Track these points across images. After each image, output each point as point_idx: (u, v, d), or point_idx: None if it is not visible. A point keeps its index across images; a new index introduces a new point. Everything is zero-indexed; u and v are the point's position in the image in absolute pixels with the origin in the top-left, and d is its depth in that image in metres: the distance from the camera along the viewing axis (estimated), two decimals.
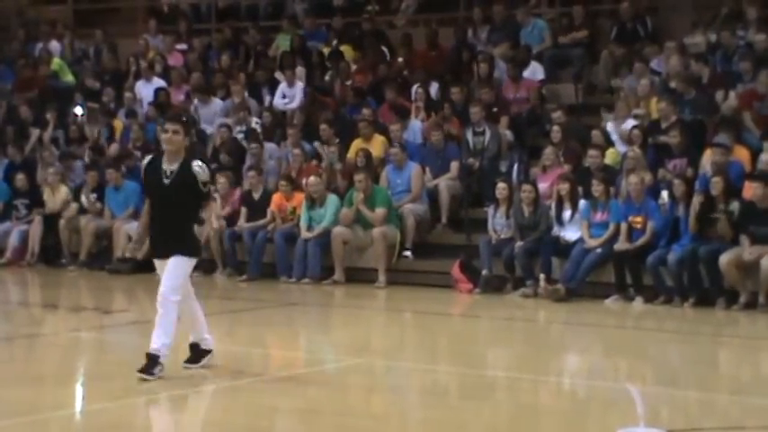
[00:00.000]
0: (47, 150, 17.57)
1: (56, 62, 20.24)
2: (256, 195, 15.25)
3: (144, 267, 15.27)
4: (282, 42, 19.34)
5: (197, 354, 8.61)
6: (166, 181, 8.17)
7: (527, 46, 17.12)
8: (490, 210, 14.04)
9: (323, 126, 16.11)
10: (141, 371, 8.11)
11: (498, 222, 13.85)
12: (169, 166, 8.18)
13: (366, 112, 16.35)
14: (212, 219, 14.90)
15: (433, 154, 15.33)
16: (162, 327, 8.18)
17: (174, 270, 8.19)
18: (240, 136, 17.01)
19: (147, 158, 8.61)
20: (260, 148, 16.09)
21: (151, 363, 8.14)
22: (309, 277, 14.36)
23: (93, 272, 15.55)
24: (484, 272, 13.62)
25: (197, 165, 8.16)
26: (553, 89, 16.63)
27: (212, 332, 8.73)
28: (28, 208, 16.67)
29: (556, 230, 13.53)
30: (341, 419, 7.42)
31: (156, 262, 8.45)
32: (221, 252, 15.07)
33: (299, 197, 14.95)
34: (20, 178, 16.83)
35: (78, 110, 18.71)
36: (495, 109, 15.81)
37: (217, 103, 17.95)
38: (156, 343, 8.18)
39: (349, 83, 17.54)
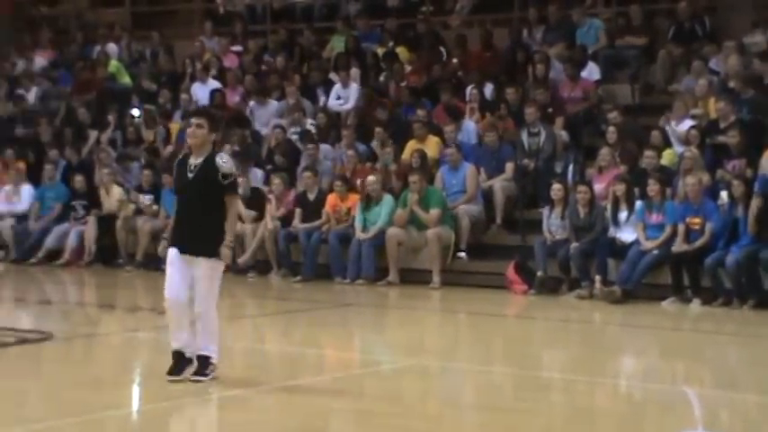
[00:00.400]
0: (104, 152, 17.74)
1: (113, 64, 20.43)
2: (311, 196, 15.28)
3: None
4: (337, 43, 19.38)
5: (181, 362, 8.18)
6: (190, 175, 8.08)
7: (583, 46, 17.01)
8: (545, 211, 13.96)
9: (378, 129, 16.12)
10: (195, 373, 8.10)
11: (553, 223, 13.77)
12: (195, 161, 8.09)
13: (420, 113, 16.34)
14: (268, 219, 15.15)
15: (487, 155, 15.28)
16: (207, 332, 8.10)
17: (209, 278, 8.03)
18: (294, 137, 17.06)
19: (179, 156, 8.59)
20: (316, 148, 16.13)
21: (204, 364, 8.11)
22: (364, 278, 14.37)
23: (149, 272, 15.66)
24: (539, 273, 13.55)
25: (220, 157, 8.07)
26: (609, 89, 16.50)
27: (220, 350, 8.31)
28: (85, 209, 16.83)
29: (611, 232, 13.42)
30: (395, 420, 7.40)
31: (174, 254, 8.09)
32: (276, 253, 15.12)
33: (354, 198, 14.96)
34: (77, 180, 17.00)
35: (135, 112, 18.87)
36: (550, 109, 15.72)
37: (272, 104, 18.03)
38: (208, 350, 8.13)
39: (404, 84, 17.53)
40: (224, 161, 8.03)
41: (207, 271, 8.00)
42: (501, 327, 12.21)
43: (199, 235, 8.00)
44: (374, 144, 16.22)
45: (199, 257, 7.99)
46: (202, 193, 8.01)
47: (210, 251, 7.99)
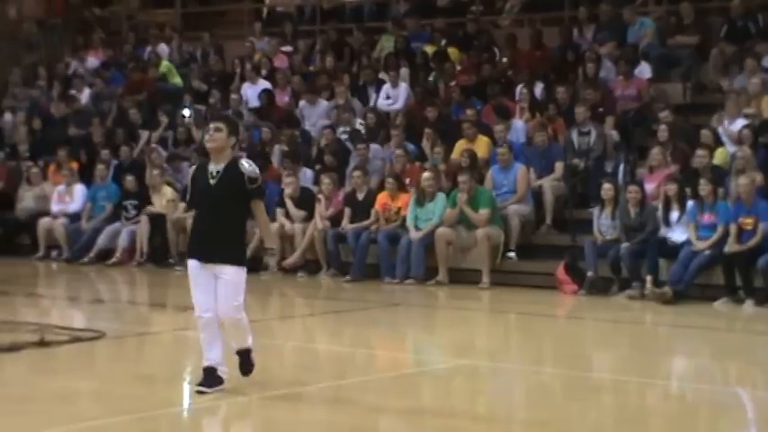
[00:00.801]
0: (154, 152, 17.88)
1: (164, 65, 20.60)
2: (360, 196, 15.31)
3: (250, 267, 15.46)
4: (386, 43, 19.41)
5: (213, 378, 7.90)
6: (212, 182, 7.77)
7: (634, 45, 16.90)
8: (595, 211, 13.89)
9: (427, 130, 16.11)
10: (244, 373, 8.03)
11: (603, 223, 13.69)
12: (215, 167, 7.78)
13: (470, 112, 16.32)
14: (317, 219, 15.19)
15: (537, 154, 15.22)
16: (239, 330, 7.95)
17: (235, 287, 7.77)
18: (344, 137, 17.11)
19: (195, 164, 8.32)
20: (366, 148, 16.16)
21: (247, 355, 8.04)
22: (413, 278, 14.36)
23: None
24: (589, 273, 13.48)
25: (244, 161, 7.82)
26: (660, 88, 16.38)
27: (227, 363, 7.99)
28: (137, 209, 16.97)
29: (663, 232, 13.32)
30: (445, 420, 7.40)
31: (195, 267, 7.81)
32: (325, 253, 15.15)
33: (404, 198, 14.96)
34: (129, 179, 17.14)
35: (186, 112, 19.01)
36: (600, 109, 15.63)
37: (321, 104, 18.09)
38: (245, 343, 8.01)
39: (453, 83, 17.51)
40: (249, 165, 7.79)
41: (234, 278, 7.75)
42: (551, 327, 12.15)
43: (224, 243, 7.74)
44: (423, 144, 16.21)
45: (225, 265, 7.74)
46: (226, 200, 7.73)
47: (237, 259, 7.79)
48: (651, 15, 17.77)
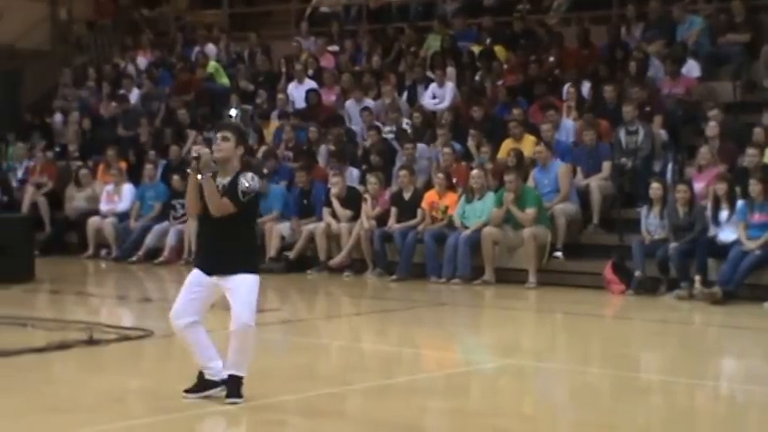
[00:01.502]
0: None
1: (212, 65, 20.71)
2: (407, 195, 15.29)
3: (296, 267, 15.56)
4: (433, 42, 19.38)
5: (202, 383, 7.71)
6: None
7: (683, 43, 16.75)
8: (643, 210, 13.78)
9: (473, 131, 16.07)
10: (229, 395, 7.56)
11: (652, 223, 13.58)
12: (222, 180, 7.54)
13: (516, 112, 16.26)
14: (363, 219, 15.20)
15: (584, 153, 15.14)
16: (240, 351, 7.57)
17: (248, 294, 7.52)
18: (390, 136, 17.11)
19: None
20: (413, 147, 16.16)
21: (238, 385, 7.60)
22: (459, 277, 14.34)
23: None
24: (637, 273, 13.37)
25: (245, 175, 7.47)
26: (709, 87, 16.22)
27: (221, 358, 7.75)
28: (184, 207, 17.04)
29: (712, 231, 13.19)
30: (491, 420, 7.37)
31: (197, 273, 7.67)
32: (371, 252, 15.16)
33: (452, 196, 14.94)
34: (176, 179, 17.23)
35: (233, 112, 19.09)
36: (647, 108, 15.51)
37: (368, 103, 18.09)
38: (240, 370, 7.60)
39: (500, 83, 17.46)
40: (246, 178, 7.46)
41: (243, 281, 7.50)
42: (598, 327, 12.08)
43: (233, 255, 7.51)
44: (469, 143, 16.17)
45: (236, 275, 7.51)
46: (231, 216, 7.48)
47: (249, 268, 7.55)
48: (701, 13, 17.59)
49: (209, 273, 7.59)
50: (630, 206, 14.57)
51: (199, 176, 7.47)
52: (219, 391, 7.59)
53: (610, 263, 13.65)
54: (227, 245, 7.50)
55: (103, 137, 19.53)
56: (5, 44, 22.82)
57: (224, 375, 7.61)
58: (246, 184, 7.45)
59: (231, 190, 7.46)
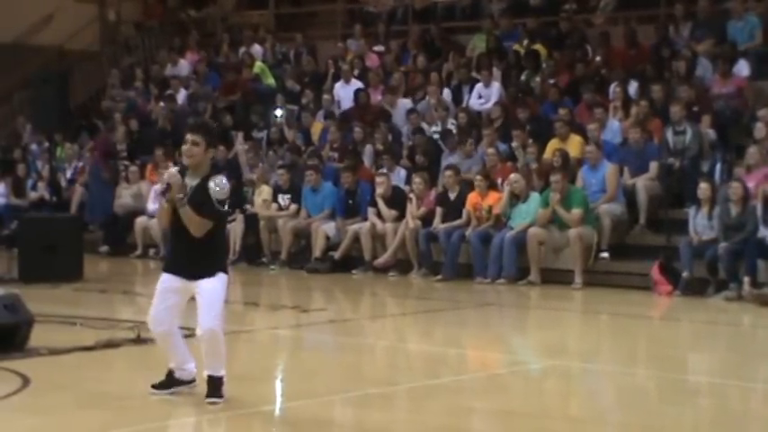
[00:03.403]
0: (250, 152, 18.06)
1: (258, 65, 20.81)
2: (452, 195, 15.27)
3: (342, 267, 15.59)
4: (478, 43, 19.35)
5: (169, 380, 7.68)
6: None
7: (733, 42, 16.58)
8: (691, 210, 13.67)
9: (516, 132, 16.00)
10: (209, 395, 7.40)
11: (700, 223, 13.47)
12: (190, 181, 7.31)
13: (562, 112, 16.18)
14: (408, 219, 15.20)
15: (631, 153, 15.04)
16: (212, 354, 7.42)
17: (211, 297, 7.36)
18: (436, 136, 17.09)
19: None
20: (456, 148, 16.12)
21: (218, 385, 7.44)
22: (505, 278, 14.29)
23: (292, 271, 15.88)
24: (684, 274, 13.27)
25: (214, 181, 7.25)
26: (758, 87, 16.05)
27: (194, 359, 7.70)
28: (231, 207, 17.09)
29: (761, 232, 13.05)
30: (537, 421, 7.34)
31: (167, 280, 7.48)
32: (417, 252, 15.15)
33: (495, 196, 14.90)
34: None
35: (278, 112, 19.17)
36: (695, 107, 15.38)
37: (413, 103, 18.09)
38: (217, 371, 7.45)
39: (552, 81, 17.38)
40: (216, 184, 7.25)
41: (208, 285, 7.34)
42: (645, 328, 11.99)
43: (198, 260, 7.34)
44: (513, 145, 16.11)
45: (201, 280, 7.36)
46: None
47: (212, 271, 7.37)
48: (753, 12, 17.38)
49: (178, 275, 7.42)
50: (678, 207, 14.45)
51: (174, 203, 7.29)
52: (187, 389, 7.63)
53: (657, 264, 13.55)
54: (197, 249, 7.31)
55: (151, 137, 19.67)
56: (55, 45, 23.09)
57: (194, 375, 7.66)
58: (218, 191, 7.23)
59: (200, 194, 7.23)
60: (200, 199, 7.24)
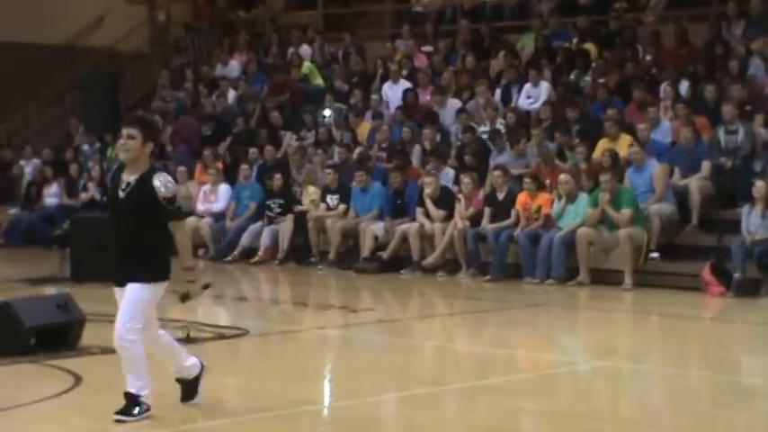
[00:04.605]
0: (298, 152, 18.11)
1: (306, 66, 20.86)
2: (500, 195, 15.21)
3: (390, 267, 15.58)
4: (527, 42, 19.27)
5: (188, 388, 7.36)
6: (122, 194, 6.93)
7: None
8: (744, 210, 13.51)
9: (557, 134, 15.91)
10: (119, 412, 6.98)
11: (753, 223, 13.31)
12: (127, 178, 6.92)
13: (610, 112, 16.05)
14: (457, 219, 15.16)
15: (682, 153, 14.89)
16: (132, 370, 6.97)
17: (129, 302, 6.90)
18: (484, 136, 17.04)
19: (115, 166, 7.31)
20: (504, 147, 16.06)
21: (130, 402, 6.99)
22: (554, 278, 14.22)
23: (341, 271, 15.90)
24: (736, 275, 13.11)
25: (159, 178, 6.86)
26: None
27: (196, 354, 7.60)
28: (281, 207, 17.17)
29: None
30: (586, 423, 7.29)
31: (116, 291, 7.09)
32: (465, 252, 15.11)
33: (544, 196, 14.82)
34: (274, 179, 17.34)
35: (327, 112, 19.21)
36: (748, 107, 15.21)
37: (459, 104, 18.05)
38: (134, 386, 7.01)
39: (601, 81, 17.27)
40: (162, 182, 6.86)
41: (130, 292, 6.90)
42: (696, 329, 11.87)
43: (128, 261, 6.92)
44: (558, 139, 15.98)
45: (127, 285, 6.92)
46: (135, 216, 6.88)
47: (138, 276, 6.90)
48: None
49: (116, 283, 7.06)
50: (730, 206, 14.30)
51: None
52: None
53: (708, 264, 13.41)
54: (127, 252, 6.95)
55: (199, 137, 19.79)
56: (106, 47, 23.30)
57: (200, 366, 7.37)
58: (165, 190, 6.87)
59: (140, 192, 6.86)
60: (140, 197, 6.86)
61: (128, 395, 6.96)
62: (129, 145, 6.89)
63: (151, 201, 6.83)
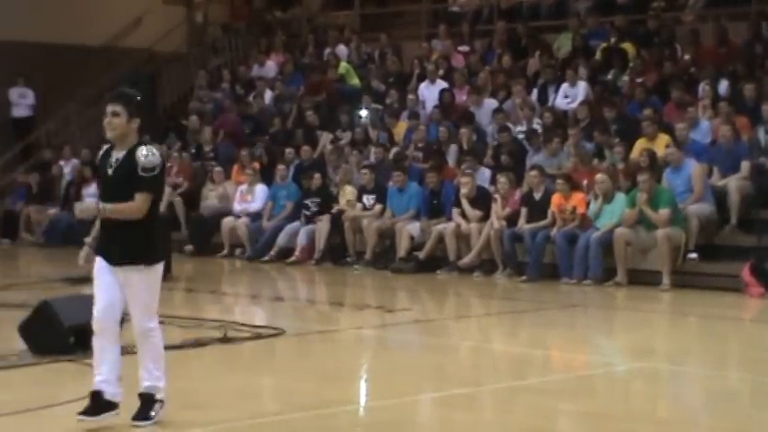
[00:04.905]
0: (334, 152, 18.14)
1: (343, 66, 20.89)
2: (537, 195, 15.16)
3: (426, 267, 15.57)
4: (564, 41, 19.20)
5: (99, 403, 6.75)
6: (110, 171, 6.77)
7: None
8: None
9: (596, 132, 15.83)
10: (135, 417, 6.77)
11: None
12: (116, 154, 6.76)
13: (647, 112, 15.94)
14: (493, 219, 15.13)
15: (721, 153, 14.78)
16: (153, 359, 6.82)
17: (143, 290, 6.73)
18: (521, 136, 16.99)
19: (104, 147, 7.00)
20: (541, 147, 16.01)
21: (146, 404, 6.81)
22: (591, 278, 14.15)
23: (377, 271, 15.90)
24: None
25: (143, 148, 6.69)
26: None
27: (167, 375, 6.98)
28: (319, 206, 17.19)
29: None
30: (624, 424, 7.25)
31: (101, 265, 6.79)
32: (501, 252, 15.07)
33: (578, 197, 14.76)
34: (312, 178, 17.37)
35: (363, 112, 19.22)
36: None
37: (495, 104, 18.01)
38: (148, 380, 6.82)
39: (639, 80, 17.18)
40: (145, 153, 6.67)
41: (143, 280, 6.72)
42: (736, 330, 11.78)
43: (127, 241, 6.70)
44: (600, 143, 15.93)
45: (131, 266, 6.71)
46: (126, 192, 6.67)
47: (139, 258, 6.71)
48: None
49: (109, 261, 6.77)
50: None
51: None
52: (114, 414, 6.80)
53: (748, 264, 13.30)
54: (122, 231, 6.71)
55: (239, 138, 19.88)
56: (143, 48, 23.44)
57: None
58: (144, 159, 6.66)
59: (128, 165, 6.67)
60: (128, 172, 6.68)
61: (142, 396, 6.83)
62: (114, 122, 6.74)
63: (136, 173, 6.66)
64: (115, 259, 6.72)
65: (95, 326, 6.73)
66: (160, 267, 6.82)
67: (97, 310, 6.73)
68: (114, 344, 6.76)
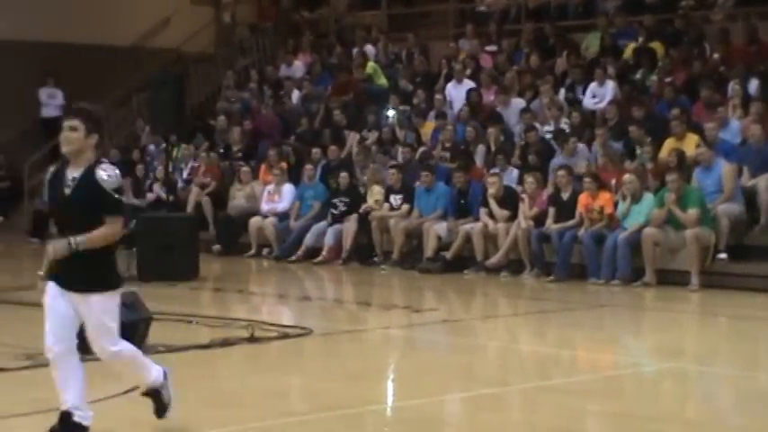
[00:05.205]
0: (362, 152, 18.15)
1: (370, 66, 20.90)
2: (565, 195, 15.11)
3: (453, 267, 15.55)
4: (592, 41, 19.13)
5: (67, 426, 6.44)
6: (67, 191, 6.37)
7: None
8: None
9: (632, 128, 15.78)
10: (158, 413, 6.77)
11: None
12: (72, 173, 6.39)
13: (675, 111, 15.86)
14: (521, 219, 15.10)
15: (751, 153, 14.68)
16: (135, 369, 6.71)
17: (102, 317, 6.40)
18: (548, 136, 16.94)
19: (53, 167, 6.60)
20: (570, 147, 15.98)
21: (156, 399, 6.77)
22: (619, 279, 14.09)
23: (404, 270, 15.90)
24: None
25: (103, 169, 6.35)
26: None
27: (91, 408, 6.58)
28: (347, 206, 17.19)
29: None
30: (652, 425, 7.21)
31: (54, 290, 6.41)
32: (529, 252, 15.04)
33: (605, 196, 14.70)
34: (339, 178, 17.38)
35: (390, 112, 19.22)
36: None
37: (523, 103, 17.97)
38: (148, 380, 6.74)
39: (668, 80, 17.10)
40: (107, 174, 6.34)
41: (101, 306, 6.40)
42: (765, 331, 11.69)
43: (85, 267, 6.35)
44: (629, 143, 15.86)
45: (89, 294, 6.38)
46: (83, 213, 6.33)
47: (103, 284, 6.43)
48: None
49: (63, 286, 6.44)
50: None
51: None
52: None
53: None
54: (79, 255, 6.33)
55: (265, 138, 19.91)
56: (172, 48, 23.54)
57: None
58: (108, 179, 6.34)
59: (87, 188, 6.33)
60: (87, 192, 6.34)
61: (149, 393, 6.76)
62: (71, 137, 6.37)
63: (99, 194, 6.34)
64: (74, 285, 6.39)
65: (49, 354, 6.40)
66: (118, 293, 6.57)
67: (50, 335, 6.38)
68: (75, 367, 6.46)
